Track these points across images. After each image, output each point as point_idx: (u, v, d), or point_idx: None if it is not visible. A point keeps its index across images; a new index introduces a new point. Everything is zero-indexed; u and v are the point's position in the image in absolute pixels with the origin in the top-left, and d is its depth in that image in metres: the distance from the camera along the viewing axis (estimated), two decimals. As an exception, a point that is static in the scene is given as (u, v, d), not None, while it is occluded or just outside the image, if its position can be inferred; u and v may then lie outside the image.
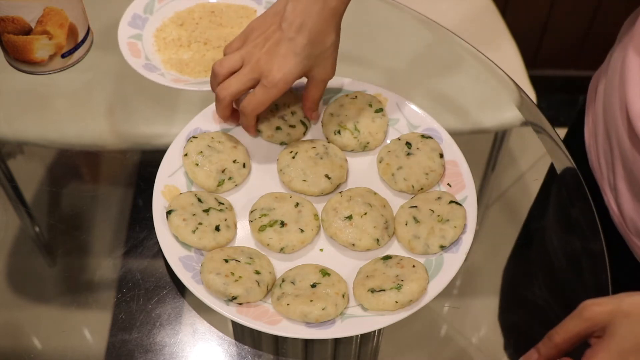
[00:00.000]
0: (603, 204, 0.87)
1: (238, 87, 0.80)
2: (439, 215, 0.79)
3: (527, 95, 0.99)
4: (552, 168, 0.91)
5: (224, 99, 0.81)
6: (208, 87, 0.86)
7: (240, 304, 0.74)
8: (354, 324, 0.73)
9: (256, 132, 0.87)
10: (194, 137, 0.85)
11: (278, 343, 0.76)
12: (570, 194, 0.89)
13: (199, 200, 0.80)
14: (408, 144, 0.86)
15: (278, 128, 0.87)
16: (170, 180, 0.83)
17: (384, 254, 0.79)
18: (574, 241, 0.86)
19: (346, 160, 0.86)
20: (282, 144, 0.88)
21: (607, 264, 0.81)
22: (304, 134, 0.89)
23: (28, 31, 0.89)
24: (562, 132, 0.99)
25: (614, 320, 0.63)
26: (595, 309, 0.64)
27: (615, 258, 0.82)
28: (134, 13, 0.99)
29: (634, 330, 0.62)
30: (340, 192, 0.82)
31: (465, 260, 0.77)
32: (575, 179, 0.89)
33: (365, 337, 0.77)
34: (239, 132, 0.88)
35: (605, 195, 0.86)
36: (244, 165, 0.85)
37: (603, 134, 0.85)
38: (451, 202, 0.80)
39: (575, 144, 0.93)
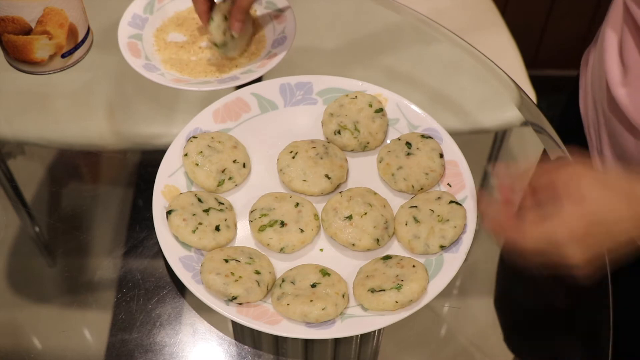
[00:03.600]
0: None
1: None
2: (439, 215, 0.79)
3: (527, 95, 0.99)
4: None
5: None
6: (208, 87, 0.86)
7: (240, 304, 0.74)
8: (354, 324, 0.73)
9: (208, 19, 0.90)
10: (194, 137, 0.85)
11: (278, 343, 0.76)
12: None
13: (199, 200, 0.80)
14: (408, 144, 0.86)
15: (225, 33, 0.91)
16: (170, 180, 0.83)
17: (384, 254, 0.79)
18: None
19: (346, 160, 0.86)
20: (220, 47, 0.92)
21: (607, 268, 0.81)
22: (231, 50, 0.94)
23: (28, 31, 0.89)
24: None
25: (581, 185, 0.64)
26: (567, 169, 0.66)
27: None
28: (134, 13, 0.99)
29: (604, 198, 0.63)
30: (340, 192, 0.82)
31: (465, 260, 0.77)
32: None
33: (365, 337, 0.77)
34: (239, 132, 0.88)
35: (596, 164, 0.90)
36: (244, 165, 0.85)
37: (592, 105, 0.89)
38: (451, 202, 0.80)
39: (573, 117, 0.96)
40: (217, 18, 0.90)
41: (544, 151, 0.90)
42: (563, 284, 0.84)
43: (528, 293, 0.82)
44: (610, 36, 0.84)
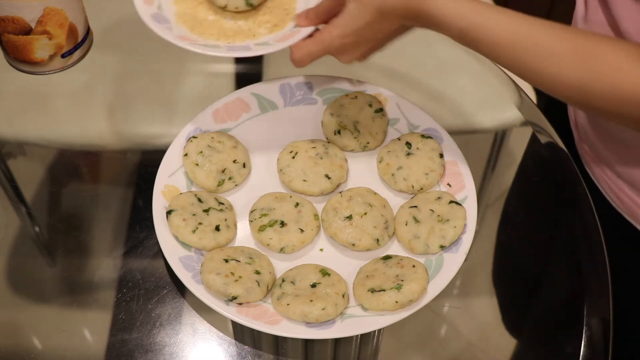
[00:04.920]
0: (604, 203, 0.87)
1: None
2: (439, 215, 0.79)
3: (527, 95, 0.99)
4: (552, 168, 0.91)
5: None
6: (213, 52, 0.78)
7: (240, 304, 0.74)
8: (354, 324, 0.73)
9: None
10: (194, 137, 0.85)
11: (278, 343, 0.76)
12: (571, 193, 0.89)
13: (199, 200, 0.80)
14: (408, 144, 0.86)
15: None
16: (170, 180, 0.83)
17: (384, 254, 0.79)
18: (574, 240, 0.86)
19: (346, 160, 0.86)
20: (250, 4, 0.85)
21: (607, 268, 0.82)
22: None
23: (28, 31, 0.89)
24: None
25: (349, 2, 0.73)
26: None
27: (609, 236, 0.83)
28: None
29: (360, 12, 0.73)
30: (340, 192, 0.82)
31: (465, 260, 0.77)
32: (575, 178, 0.89)
33: (365, 337, 0.77)
34: (239, 132, 0.88)
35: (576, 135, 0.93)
36: (244, 165, 0.85)
37: None
38: (451, 202, 0.80)
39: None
40: None
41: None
42: (564, 284, 0.84)
43: (528, 293, 0.82)
44: None
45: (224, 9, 0.85)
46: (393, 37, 0.79)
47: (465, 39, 0.71)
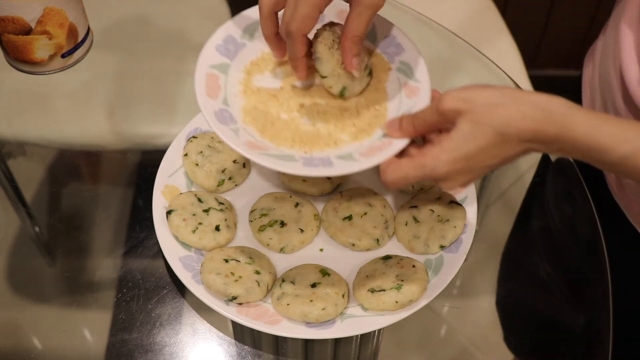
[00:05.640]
0: (603, 204, 0.87)
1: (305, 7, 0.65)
2: (439, 215, 0.79)
3: (527, 95, 0.99)
4: (552, 167, 0.91)
5: (296, 30, 0.65)
6: (286, 169, 0.65)
7: (240, 304, 0.74)
8: (354, 324, 0.73)
9: (306, 72, 0.70)
10: (194, 137, 0.85)
11: (278, 343, 0.76)
12: (571, 193, 0.89)
13: (199, 200, 0.80)
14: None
15: (339, 75, 0.70)
16: (170, 180, 0.83)
17: (384, 254, 0.79)
18: (574, 239, 0.86)
19: (346, 160, 0.86)
20: (341, 93, 0.71)
21: (607, 268, 0.82)
22: (367, 85, 0.72)
23: (28, 31, 0.89)
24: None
25: (460, 120, 0.61)
26: (449, 103, 0.62)
27: (615, 249, 0.83)
28: (227, 35, 0.73)
29: (474, 134, 0.60)
30: (340, 192, 0.82)
31: (465, 260, 0.77)
32: (576, 177, 0.89)
33: (365, 337, 0.77)
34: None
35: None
36: (244, 165, 0.85)
37: (600, 103, 0.87)
38: (451, 202, 0.80)
39: None
40: (322, 52, 0.69)
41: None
42: (564, 284, 0.84)
43: (528, 293, 0.82)
44: (627, 34, 0.80)
45: (322, 77, 0.70)
46: (509, 162, 0.64)
47: (627, 166, 0.60)
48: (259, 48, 0.74)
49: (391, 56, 0.74)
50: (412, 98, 0.71)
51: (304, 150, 0.69)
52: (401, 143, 0.66)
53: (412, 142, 0.67)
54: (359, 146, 0.69)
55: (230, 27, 0.73)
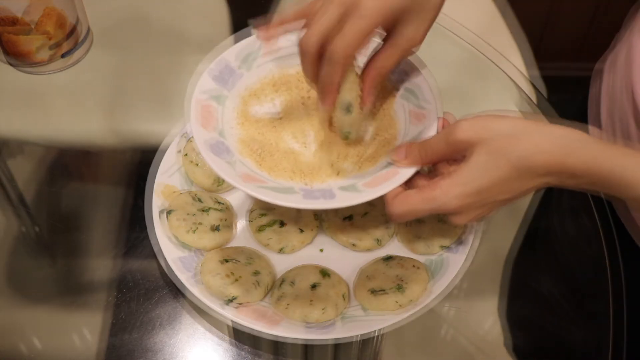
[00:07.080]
0: (602, 203, 0.87)
1: (323, 24, 0.60)
2: (440, 216, 0.79)
3: (527, 95, 0.99)
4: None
5: (310, 43, 0.60)
6: (285, 203, 0.63)
7: (239, 304, 0.74)
8: (354, 325, 0.73)
9: (334, 100, 0.65)
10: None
11: (277, 344, 0.76)
12: (572, 195, 0.89)
13: (198, 200, 0.80)
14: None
15: (348, 110, 0.66)
16: (169, 180, 0.83)
17: (385, 255, 0.79)
18: (576, 239, 0.86)
19: (346, 160, 0.86)
20: (346, 136, 0.68)
21: (607, 264, 0.81)
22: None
23: (28, 31, 0.89)
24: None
25: (473, 151, 0.58)
26: (461, 134, 0.59)
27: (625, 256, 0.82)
28: (225, 64, 0.71)
29: (488, 168, 0.57)
30: (341, 192, 0.82)
31: (467, 260, 0.77)
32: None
33: (365, 338, 0.77)
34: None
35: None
36: (244, 165, 0.84)
37: (608, 119, 0.85)
38: (451, 202, 0.80)
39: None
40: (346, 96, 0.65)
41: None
42: (567, 291, 0.84)
43: (530, 293, 0.82)
44: (639, 48, 0.77)
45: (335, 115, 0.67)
46: (522, 197, 0.61)
47: None
48: (257, 78, 0.73)
49: (395, 83, 0.73)
50: (417, 125, 0.68)
51: (304, 181, 0.67)
52: (408, 172, 0.63)
53: (418, 172, 0.64)
54: (362, 176, 0.66)
55: (228, 55, 0.72)
